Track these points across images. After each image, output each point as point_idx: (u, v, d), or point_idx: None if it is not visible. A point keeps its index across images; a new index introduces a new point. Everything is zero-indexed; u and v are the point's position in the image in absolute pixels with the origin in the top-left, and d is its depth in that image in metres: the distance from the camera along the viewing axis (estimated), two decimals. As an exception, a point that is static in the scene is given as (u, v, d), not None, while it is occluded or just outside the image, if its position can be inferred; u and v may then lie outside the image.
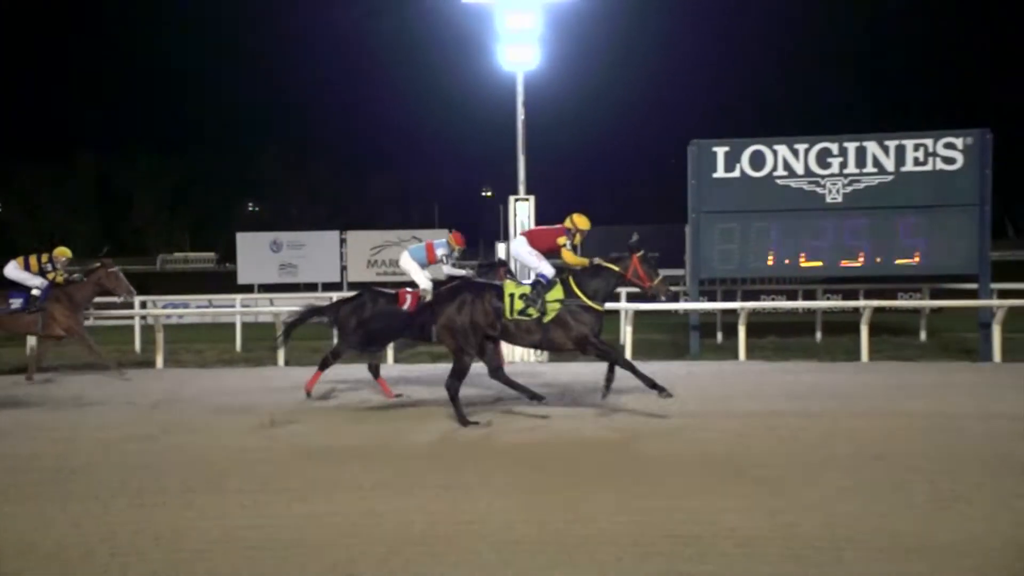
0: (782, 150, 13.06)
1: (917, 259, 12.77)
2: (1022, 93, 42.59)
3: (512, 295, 8.06)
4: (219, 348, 14.52)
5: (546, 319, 8.01)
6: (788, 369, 11.46)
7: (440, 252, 10.17)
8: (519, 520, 4.99)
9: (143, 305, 16.10)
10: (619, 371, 8.18)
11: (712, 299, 15.95)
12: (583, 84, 48.42)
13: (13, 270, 11.62)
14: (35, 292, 11.38)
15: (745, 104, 53.64)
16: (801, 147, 13.01)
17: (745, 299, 16.07)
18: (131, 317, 15.25)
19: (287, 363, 12.31)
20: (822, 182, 12.97)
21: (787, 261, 13.01)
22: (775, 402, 8.75)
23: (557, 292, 8.10)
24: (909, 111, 39.92)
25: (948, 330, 15.04)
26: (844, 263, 12.97)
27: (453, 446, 7.14)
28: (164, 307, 18.47)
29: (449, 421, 7.89)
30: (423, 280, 9.88)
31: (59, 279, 11.52)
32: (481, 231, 44.14)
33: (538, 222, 14.05)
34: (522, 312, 8.02)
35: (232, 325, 15.65)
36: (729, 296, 17.28)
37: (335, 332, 11.10)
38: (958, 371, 11.12)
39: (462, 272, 10.35)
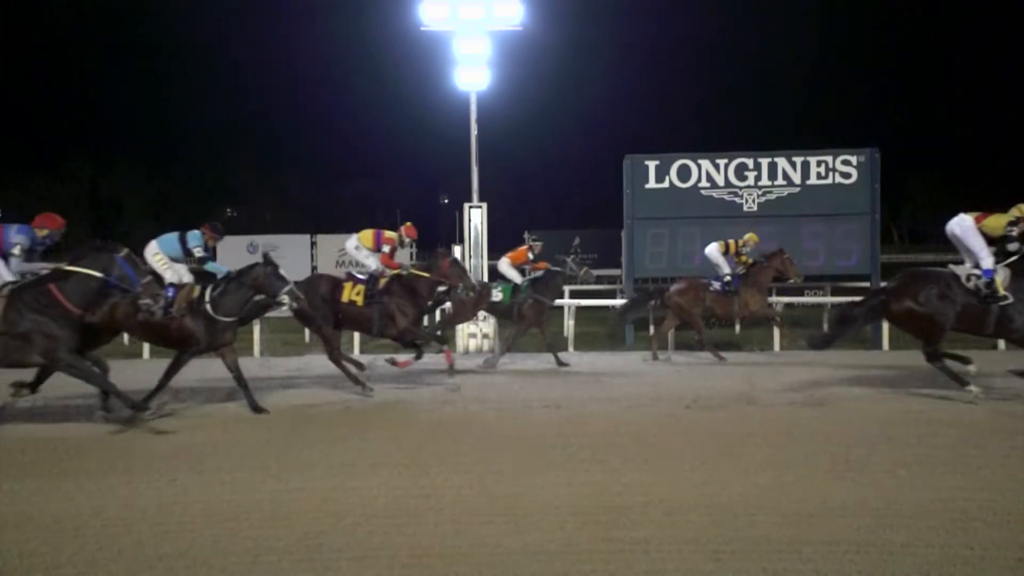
0: (705, 164, 13.27)
1: (820, 261, 13.12)
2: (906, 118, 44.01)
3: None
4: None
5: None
6: (708, 357, 11.62)
7: None
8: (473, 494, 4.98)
9: None
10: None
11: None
12: (529, 103, 48.62)
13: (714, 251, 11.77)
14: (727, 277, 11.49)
15: (674, 121, 54.34)
16: (722, 162, 13.24)
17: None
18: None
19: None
20: (740, 192, 13.22)
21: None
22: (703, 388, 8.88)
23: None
24: (821, 128, 40.90)
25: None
26: (759, 264, 13.19)
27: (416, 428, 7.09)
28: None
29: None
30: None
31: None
32: (440, 234, 44.04)
33: (490, 227, 14.08)
34: None
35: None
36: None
37: None
38: (853, 357, 11.32)
39: None
